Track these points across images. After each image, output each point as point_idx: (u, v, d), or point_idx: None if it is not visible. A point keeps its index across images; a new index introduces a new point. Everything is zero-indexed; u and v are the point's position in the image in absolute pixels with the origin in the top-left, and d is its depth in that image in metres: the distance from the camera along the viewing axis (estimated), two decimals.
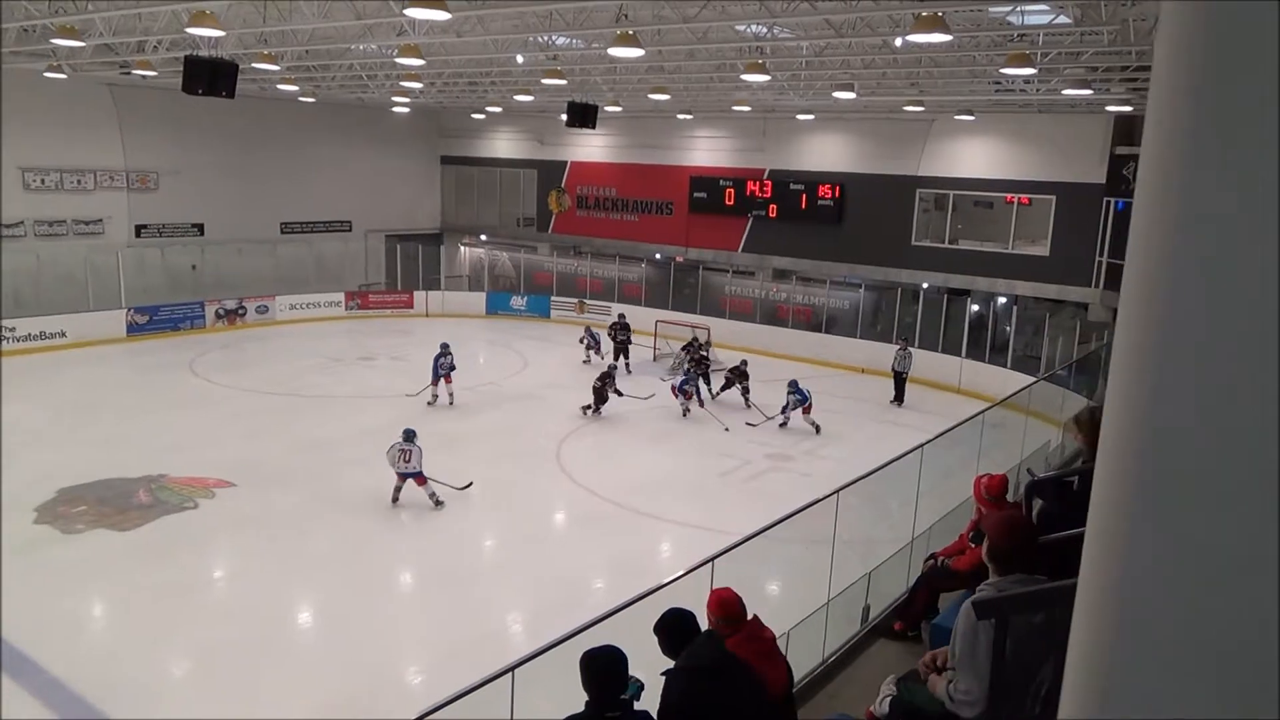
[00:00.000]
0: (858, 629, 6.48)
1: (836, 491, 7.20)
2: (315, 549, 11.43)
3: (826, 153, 24.28)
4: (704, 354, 20.13)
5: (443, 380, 17.47)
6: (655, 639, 4.18)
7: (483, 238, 31.77)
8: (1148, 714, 0.66)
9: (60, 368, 20.11)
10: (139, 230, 24.86)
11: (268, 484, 13.60)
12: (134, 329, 23.06)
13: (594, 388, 17.27)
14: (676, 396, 17.59)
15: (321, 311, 26.36)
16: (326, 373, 20.32)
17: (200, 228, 25.98)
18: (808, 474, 14.30)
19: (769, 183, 25.00)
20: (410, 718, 4.38)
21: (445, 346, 17.52)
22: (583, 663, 3.92)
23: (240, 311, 25.02)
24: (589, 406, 17.23)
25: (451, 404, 17.54)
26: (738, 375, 18.29)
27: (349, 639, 9.39)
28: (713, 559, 5.88)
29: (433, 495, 12.67)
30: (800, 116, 23.11)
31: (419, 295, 27.97)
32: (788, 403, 16.74)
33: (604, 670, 3.88)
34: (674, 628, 4.17)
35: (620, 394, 17.34)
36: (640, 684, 4.19)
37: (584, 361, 21.59)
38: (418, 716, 4.35)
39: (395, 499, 12.70)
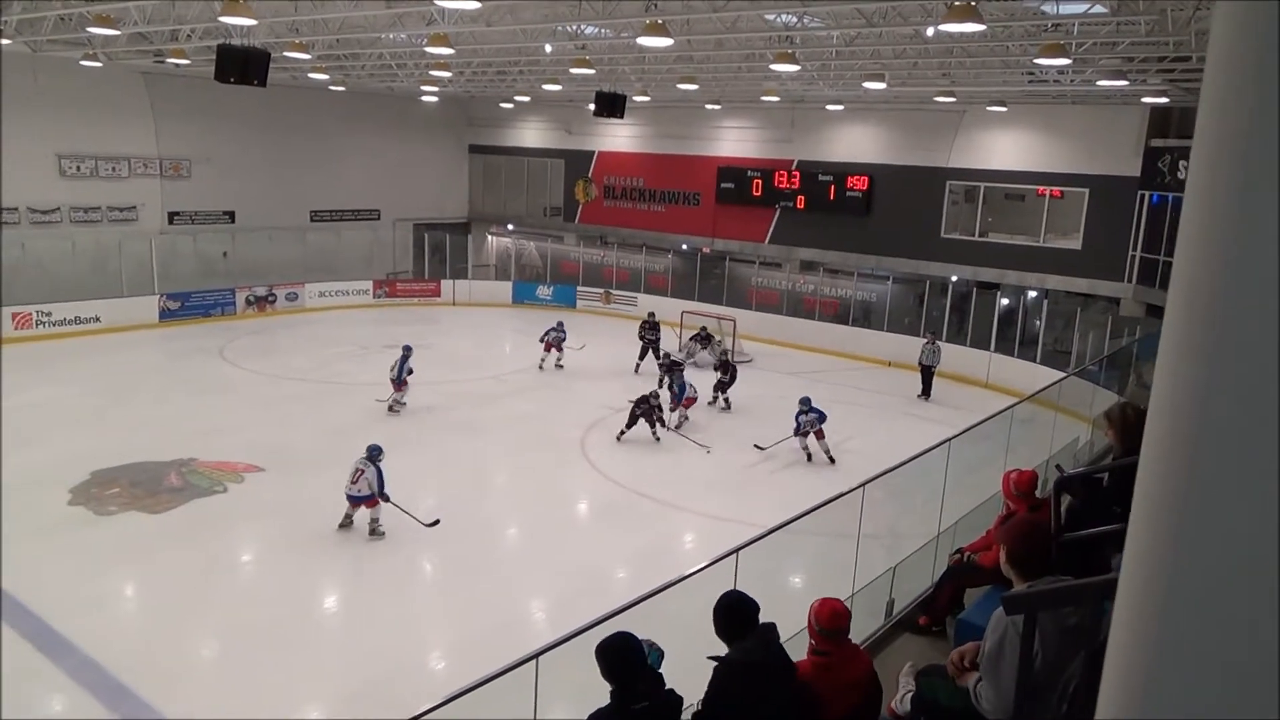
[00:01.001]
0: (881, 623, 6.45)
1: (862, 485, 7.18)
2: (340, 534, 11.53)
3: (856, 144, 24.09)
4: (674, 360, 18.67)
5: (399, 385, 16.44)
6: (705, 619, 4.08)
7: (510, 227, 31.85)
8: (1187, 714, 0.65)
9: (95, 352, 20.44)
10: (172, 217, 25.18)
11: (295, 470, 13.75)
12: (166, 315, 23.37)
13: (633, 410, 15.30)
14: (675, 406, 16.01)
15: (350, 299, 26.59)
16: (354, 360, 20.48)
17: (231, 215, 26.26)
18: (833, 467, 14.25)
19: (797, 174, 24.85)
20: (433, 704, 4.40)
21: (408, 349, 16.57)
22: (598, 654, 3.91)
23: (270, 298, 25.29)
24: (625, 430, 15.36)
25: (404, 405, 16.51)
26: (723, 370, 17.56)
27: (372, 624, 9.48)
28: (737, 550, 5.88)
29: (374, 523, 11.26)
30: (829, 107, 22.93)
31: (446, 284, 28.11)
32: (799, 424, 14.62)
33: (621, 659, 3.87)
34: (733, 611, 4.04)
35: (657, 429, 15.29)
36: (659, 651, 4.18)
37: (557, 365, 20.15)
38: (440, 702, 4.38)
39: (344, 523, 11.34)
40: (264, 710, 8.04)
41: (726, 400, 17.51)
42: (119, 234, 23.63)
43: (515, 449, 15.27)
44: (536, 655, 4.45)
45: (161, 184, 24.92)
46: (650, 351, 20.25)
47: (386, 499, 11.19)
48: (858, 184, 23.82)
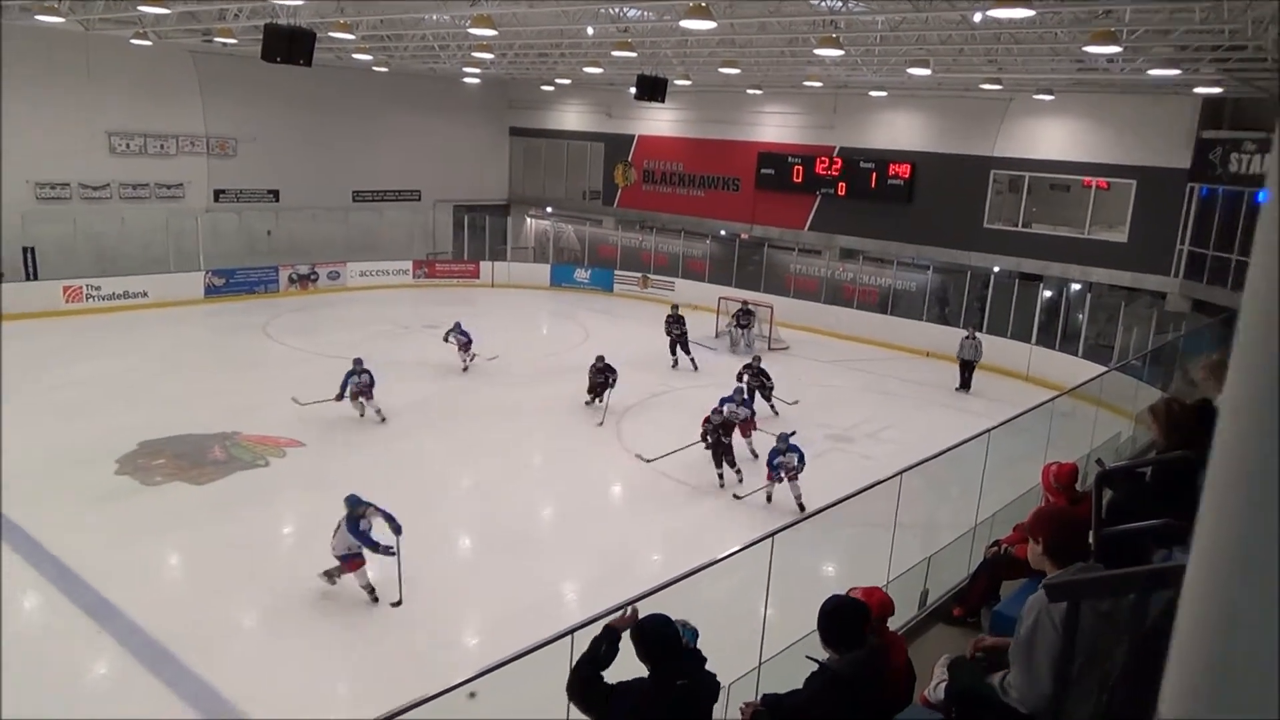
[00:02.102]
0: (915, 613, 6.43)
1: (898, 474, 7.14)
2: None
3: (898, 131, 23.81)
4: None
5: (361, 398, 15.03)
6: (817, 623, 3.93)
7: (549, 210, 31.91)
8: (1255, 714, 0.66)
9: (142, 326, 20.91)
10: (217, 195, 25.55)
11: (335, 446, 14.01)
12: (212, 291, 23.81)
13: (711, 442, 13.16)
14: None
15: (390, 279, 26.87)
16: (393, 339, 20.69)
17: (275, 194, 26.59)
18: (868, 456, 14.18)
19: (838, 160, 24.63)
20: (468, 676, 4.44)
21: (358, 363, 15.06)
22: (634, 635, 3.93)
23: (313, 277, 25.64)
24: (721, 473, 13.17)
25: (382, 420, 15.08)
26: (754, 373, 16.05)
27: (408, 599, 9.58)
28: (772, 534, 5.89)
29: (368, 589, 9.54)
30: (873, 93, 22.67)
31: (485, 266, 28.30)
32: (774, 466, 12.35)
33: (657, 640, 3.90)
34: (845, 619, 3.88)
35: (729, 464, 13.14)
36: (694, 630, 4.20)
37: (464, 369, 18.37)
38: (477, 674, 4.43)
39: (332, 579, 9.62)
40: (302, 679, 8.23)
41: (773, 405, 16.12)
42: (166, 211, 24.06)
43: (550, 431, 15.37)
44: (572, 631, 4.46)
45: (208, 162, 25.29)
46: (680, 346, 19.75)
47: (375, 549, 9.51)
48: (900, 171, 23.56)
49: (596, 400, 16.06)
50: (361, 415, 15.11)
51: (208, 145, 25.21)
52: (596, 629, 4.81)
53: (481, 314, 24.23)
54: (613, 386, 15.97)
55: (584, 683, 3.84)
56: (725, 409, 13.50)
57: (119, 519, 11.28)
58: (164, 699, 7.90)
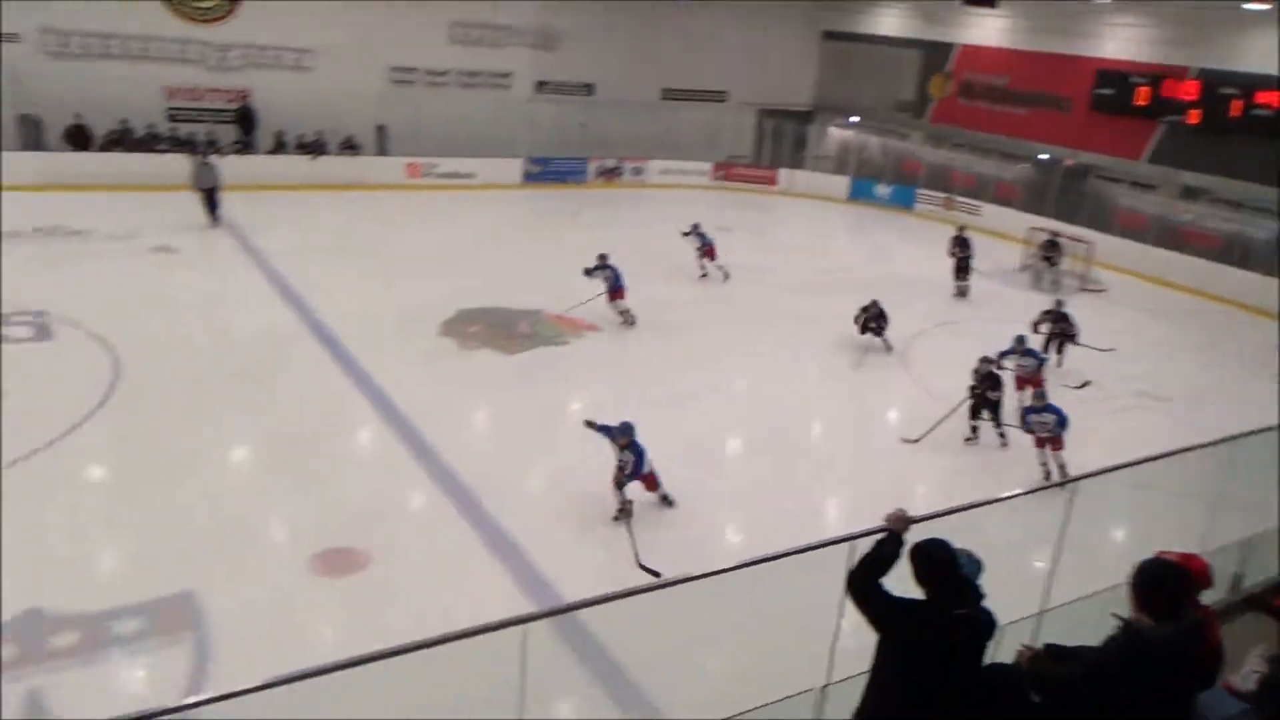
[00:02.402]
0: (1224, 595, 5.88)
1: (1220, 442, 6.41)
2: (656, 396, 12.25)
3: (1276, 52, 20.25)
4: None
5: (616, 299, 14.97)
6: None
7: (854, 119, 30.76)
8: None
9: (469, 204, 23.12)
10: (539, 86, 27.10)
11: (625, 334, 14.91)
12: (529, 177, 25.67)
13: (976, 391, 11.88)
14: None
15: (689, 179, 27.39)
16: (685, 240, 21.22)
17: (589, 88, 27.75)
18: (1184, 420, 12.79)
19: (1195, 83, 21.51)
20: (731, 565, 4.43)
21: (603, 258, 15.04)
22: (917, 556, 3.90)
23: (618, 171, 26.79)
24: (975, 426, 11.97)
25: (630, 324, 15.08)
26: (1054, 319, 14.38)
27: (680, 485, 9.86)
28: (1069, 481, 5.57)
29: (665, 497, 9.72)
30: (1248, 5, 19.35)
31: (783, 173, 28.02)
32: (1029, 423, 11.01)
33: (936, 561, 3.84)
34: (1169, 583, 3.53)
35: (993, 422, 11.88)
36: (978, 562, 4.12)
37: (701, 275, 18.13)
38: (740, 564, 4.39)
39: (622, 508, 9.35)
40: (577, 537, 9.03)
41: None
42: (494, 99, 25.96)
43: (832, 346, 15.17)
44: (853, 537, 4.35)
45: (532, 54, 26.78)
46: (964, 272, 18.47)
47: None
48: (1272, 101, 20.19)
49: (869, 336, 15.10)
50: (623, 321, 15.09)
51: (533, 38, 26.65)
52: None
53: (775, 222, 24.31)
54: (883, 330, 15.02)
55: (865, 584, 3.91)
56: (1005, 361, 12.34)
57: (440, 375, 12.82)
58: (468, 537, 8.99)
